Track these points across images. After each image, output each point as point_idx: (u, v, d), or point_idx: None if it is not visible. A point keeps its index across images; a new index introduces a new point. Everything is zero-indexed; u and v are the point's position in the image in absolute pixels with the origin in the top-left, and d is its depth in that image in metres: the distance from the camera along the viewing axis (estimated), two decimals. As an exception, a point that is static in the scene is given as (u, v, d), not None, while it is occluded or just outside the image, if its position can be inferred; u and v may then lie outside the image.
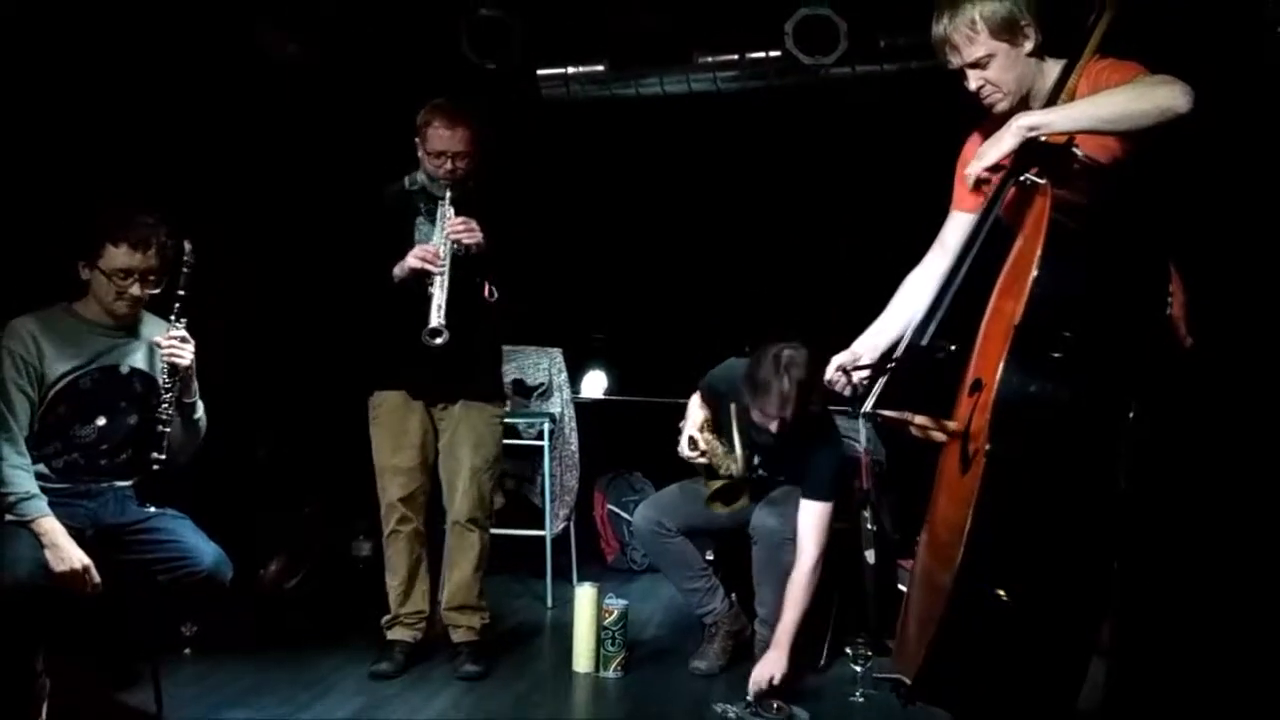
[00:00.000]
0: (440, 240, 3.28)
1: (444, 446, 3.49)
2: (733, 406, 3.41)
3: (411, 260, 3.25)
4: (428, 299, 3.21)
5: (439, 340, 3.17)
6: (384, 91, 4.71)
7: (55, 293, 2.86)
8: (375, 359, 3.50)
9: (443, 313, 3.18)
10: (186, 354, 2.83)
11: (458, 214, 3.29)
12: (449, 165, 3.31)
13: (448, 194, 3.32)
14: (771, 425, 3.27)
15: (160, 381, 2.85)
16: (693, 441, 3.45)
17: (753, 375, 3.25)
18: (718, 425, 3.52)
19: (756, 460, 3.46)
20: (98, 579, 2.63)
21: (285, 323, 4.62)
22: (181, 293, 2.82)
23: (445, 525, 3.59)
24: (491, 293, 3.40)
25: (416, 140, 3.37)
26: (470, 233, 3.27)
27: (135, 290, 2.78)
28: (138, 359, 2.88)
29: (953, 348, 2.26)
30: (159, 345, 2.82)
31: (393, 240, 3.34)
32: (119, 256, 2.75)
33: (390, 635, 3.48)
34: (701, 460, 3.44)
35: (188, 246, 2.82)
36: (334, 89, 4.72)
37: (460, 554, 3.49)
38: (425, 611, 3.51)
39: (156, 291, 2.82)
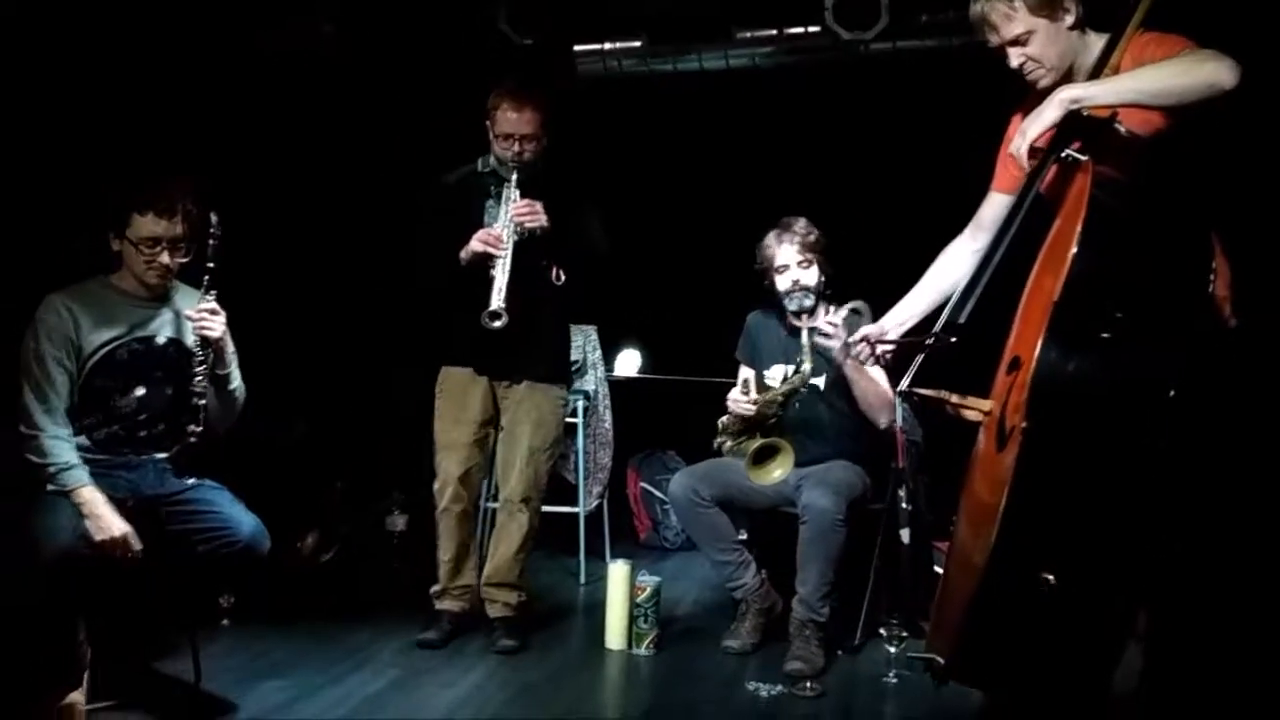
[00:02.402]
0: (504, 223, 3.29)
1: (505, 425, 3.52)
2: (775, 329, 3.64)
3: (475, 244, 3.28)
4: (489, 282, 3.23)
5: (498, 323, 3.19)
6: (422, 68, 4.72)
7: (94, 268, 2.89)
8: (444, 335, 3.53)
9: (503, 295, 3.20)
10: (217, 326, 2.85)
11: (523, 196, 3.30)
12: (516, 147, 3.33)
13: (514, 176, 3.33)
14: (801, 273, 3.50)
15: (193, 355, 2.87)
16: (745, 385, 3.52)
17: (762, 250, 3.59)
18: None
19: (807, 367, 3.47)
20: (138, 546, 2.67)
21: (325, 300, 4.65)
22: (210, 265, 2.83)
23: (495, 503, 3.62)
24: (558, 275, 3.42)
25: (486, 123, 3.39)
26: (534, 215, 3.28)
27: (164, 259, 2.80)
28: (174, 329, 2.91)
29: (952, 340, 2.25)
30: (190, 318, 2.84)
31: (461, 222, 3.37)
32: (145, 225, 2.77)
33: (438, 605, 3.54)
34: (750, 409, 3.43)
35: (214, 218, 2.82)
36: (372, 66, 4.73)
37: (507, 533, 3.51)
38: (472, 585, 3.56)
39: (185, 260, 2.84)
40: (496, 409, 3.53)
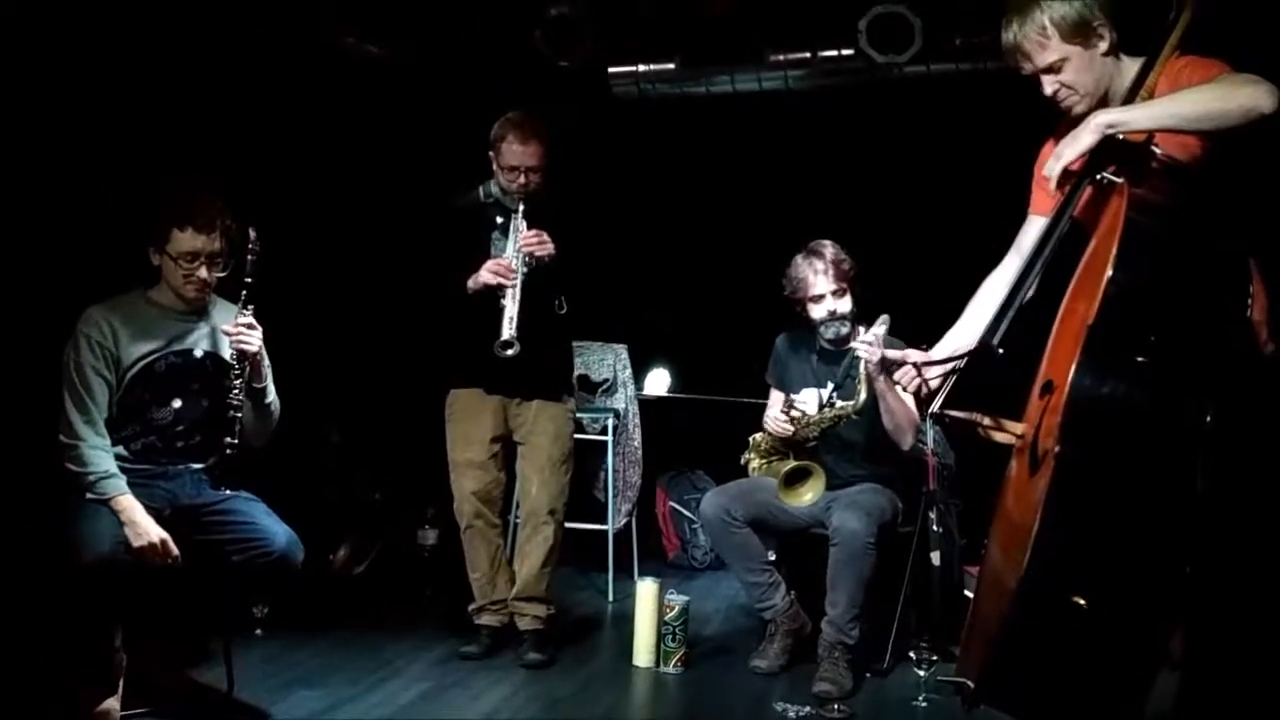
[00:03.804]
0: (513, 254, 3.34)
1: (521, 439, 3.56)
2: (805, 353, 3.57)
3: (485, 275, 3.32)
4: (500, 311, 3.27)
5: (510, 352, 3.23)
6: (457, 89, 4.78)
7: (135, 280, 2.93)
8: (451, 360, 3.57)
9: (514, 325, 3.24)
10: (254, 340, 2.88)
11: (530, 226, 3.35)
12: (522, 179, 3.38)
13: (520, 207, 3.38)
14: (836, 303, 3.49)
15: (230, 369, 2.90)
16: (788, 404, 3.52)
17: (793, 277, 3.54)
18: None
19: (831, 390, 3.49)
20: (176, 552, 2.70)
21: (359, 314, 4.70)
22: (249, 280, 2.87)
23: (517, 518, 3.65)
24: (561, 304, 3.47)
25: (490, 154, 3.43)
26: (542, 245, 3.33)
27: (202, 273, 2.84)
28: (211, 343, 2.95)
29: (1000, 351, 2.23)
30: (227, 333, 2.88)
31: (468, 251, 3.41)
32: (184, 240, 2.81)
33: (478, 620, 3.58)
34: (788, 429, 3.44)
35: (253, 233, 2.86)
36: (408, 87, 4.79)
37: (532, 547, 3.54)
38: (508, 599, 3.58)
39: (223, 274, 2.89)
40: (507, 426, 3.56)
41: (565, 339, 3.69)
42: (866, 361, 3.29)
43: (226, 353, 2.92)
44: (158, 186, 3.08)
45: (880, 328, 3.29)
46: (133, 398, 2.83)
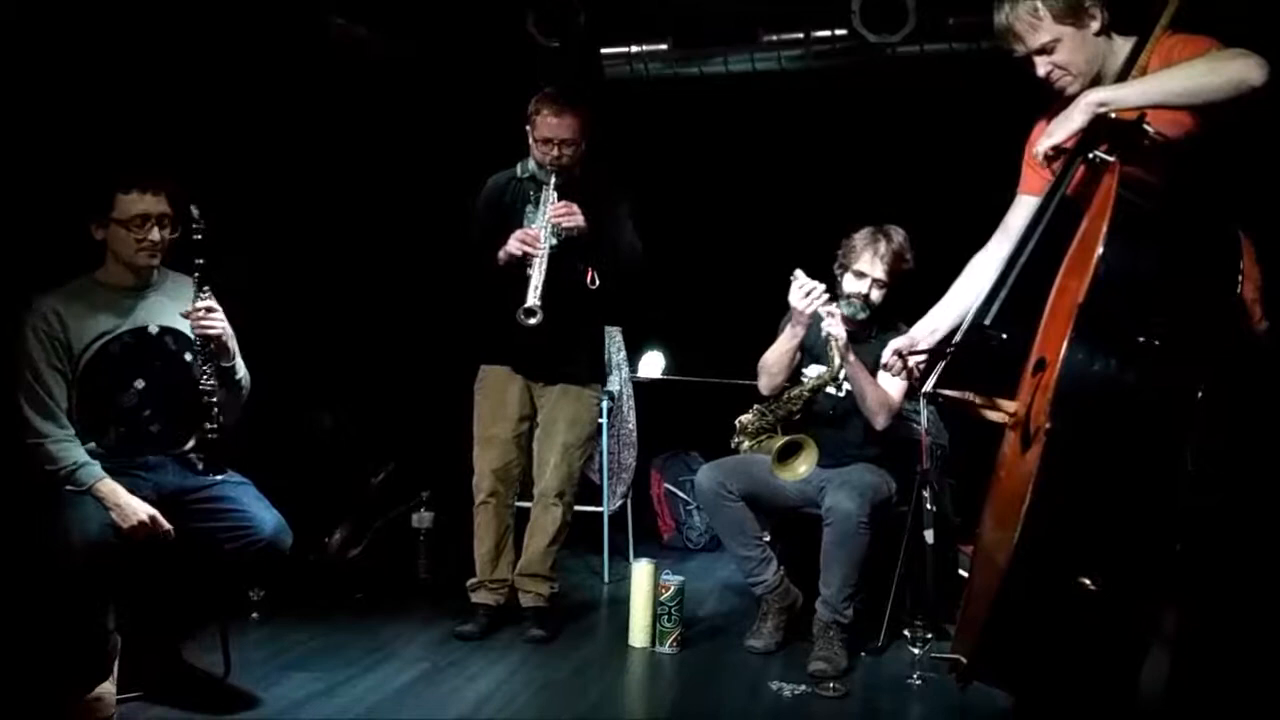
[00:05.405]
0: (542, 223, 3.35)
1: (541, 423, 3.59)
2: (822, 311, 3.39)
3: (512, 245, 3.34)
4: (525, 280, 3.28)
5: (533, 320, 3.24)
6: (449, 70, 4.76)
7: (77, 267, 2.84)
8: (484, 335, 3.60)
9: (539, 293, 3.26)
10: (217, 324, 2.81)
11: (561, 199, 3.36)
12: (555, 152, 3.39)
13: (553, 179, 3.39)
14: (872, 289, 3.43)
15: (196, 353, 2.83)
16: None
17: (850, 245, 3.50)
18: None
19: (838, 363, 3.44)
20: (167, 526, 2.68)
21: (353, 296, 4.69)
22: (200, 260, 2.78)
23: (526, 502, 3.68)
24: (594, 279, 3.47)
25: (527, 128, 3.45)
26: (571, 216, 3.34)
27: (154, 235, 2.74)
28: (165, 317, 2.86)
29: (1004, 336, 2.24)
30: (187, 317, 2.80)
31: (501, 226, 3.43)
32: (132, 203, 2.73)
33: (475, 598, 3.60)
34: (815, 303, 3.35)
35: (195, 211, 2.77)
36: (398, 68, 4.76)
37: (541, 525, 3.58)
38: (509, 580, 3.62)
39: (174, 236, 2.79)
40: (533, 406, 3.59)
41: (596, 322, 3.70)
42: (836, 340, 3.32)
43: (183, 325, 2.83)
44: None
45: (841, 301, 3.40)
46: (94, 385, 2.74)
